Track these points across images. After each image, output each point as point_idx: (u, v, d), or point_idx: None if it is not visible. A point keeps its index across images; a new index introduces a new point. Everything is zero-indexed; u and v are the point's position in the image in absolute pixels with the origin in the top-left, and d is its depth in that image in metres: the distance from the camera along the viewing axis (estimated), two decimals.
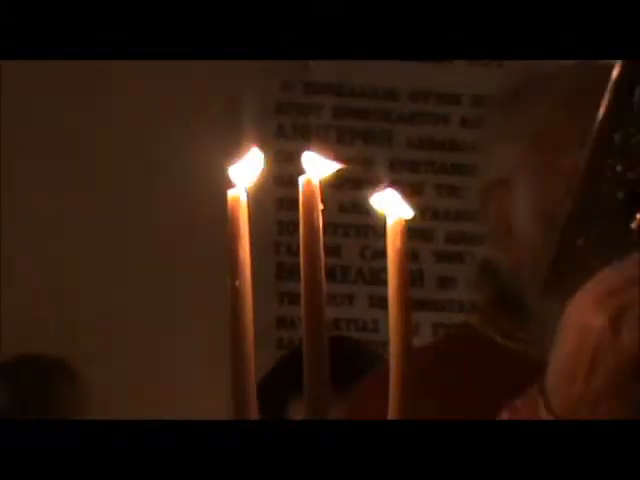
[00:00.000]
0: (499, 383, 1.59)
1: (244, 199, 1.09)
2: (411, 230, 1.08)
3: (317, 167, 1.06)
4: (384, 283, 1.09)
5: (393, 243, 1.09)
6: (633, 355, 1.30)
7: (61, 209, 3.45)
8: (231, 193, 1.09)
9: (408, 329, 1.09)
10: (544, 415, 1.37)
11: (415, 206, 1.09)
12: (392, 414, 1.10)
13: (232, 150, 1.12)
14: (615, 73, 1.38)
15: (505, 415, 1.44)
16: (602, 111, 1.35)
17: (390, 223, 1.09)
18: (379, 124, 3.52)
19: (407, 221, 1.09)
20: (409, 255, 1.11)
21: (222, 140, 3.01)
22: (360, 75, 3.53)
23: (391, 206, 1.09)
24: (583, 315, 1.33)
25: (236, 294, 1.09)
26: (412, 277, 3.39)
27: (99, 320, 3.24)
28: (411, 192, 3.37)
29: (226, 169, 1.10)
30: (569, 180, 1.36)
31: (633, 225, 1.33)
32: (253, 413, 1.10)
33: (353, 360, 2.43)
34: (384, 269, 1.09)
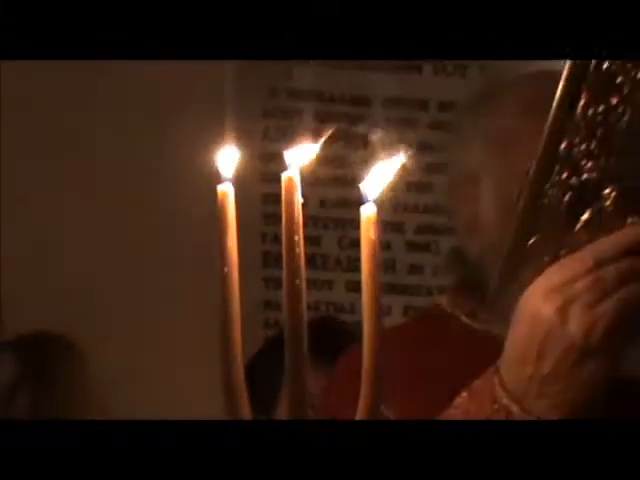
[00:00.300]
0: (464, 358, 1.59)
1: (232, 194, 1.08)
2: (385, 222, 1.09)
3: (298, 165, 1.06)
4: (359, 270, 1.09)
5: (366, 234, 1.08)
6: (577, 343, 1.30)
7: (61, 200, 3.37)
8: (220, 189, 1.09)
9: (379, 310, 1.09)
10: (500, 394, 1.36)
11: (388, 201, 1.10)
12: (365, 387, 1.08)
13: (222, 150, 1.11)
14: (560, 87, 1.36)
15: (465, 394, 1.43)
16: (549, 121, 1.33)
17: (364, 217, 1.08)
18: (355, 128, 3.47)
19: (378, 215, 1.09)
20: (382, 245, 1.11)
21: (213, 141, 2.99)
22: (338, 83, 3.52)
23: (365, 201, 1.09)
24: (534, 306, 1.33)
25: (225, 279, 1.09)
26: (385, 264, 3.34)
27: (99, 301, 3.22)
28: (384, 189, 3.35)
29: (216, 167, 1.09)
30: (521, 182, 1.36)
31: (578, 227, 1.33)
32: (240, 386, 1.09)
33: (336, 338, 2.44)
34: (359, 257, 1.09)
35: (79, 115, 3.44)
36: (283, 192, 1.05)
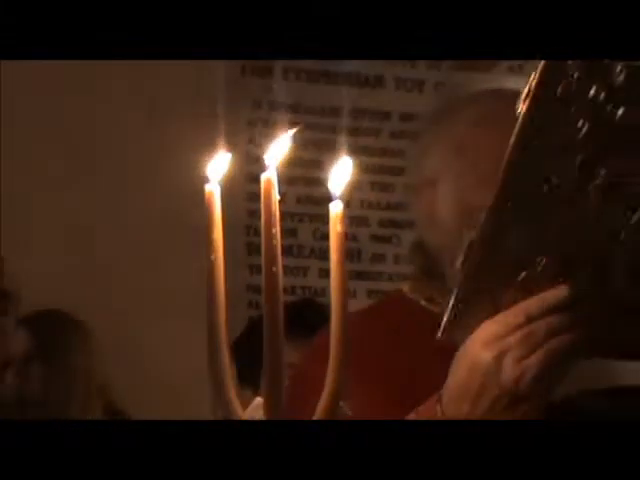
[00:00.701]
0: (422, 338, 1.55)
1: (217, 193, 1.09)
2: (352, 218, 1.10)
3: (278, 170, 1.06)
4: (329, 258, 1.10)
5: (334, 228, 1.08)
6: (508, 390, 1.29)
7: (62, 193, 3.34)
8: (207, 187, 1.09)
9: (345, 294, 1.08)
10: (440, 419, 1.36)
11: (355, 199, 1.11)
12: (332, 361, 1.08)
13: (212, 154, 1.11)
14: (522, 106, 1.32)
15: (412, 416, 1.41)
16: (512, 139, 1.30)
17: (332, 212, 1.08)
18: (326, 135, 3.50)
19: (344, 211, 1.08)
20: (349, 237, 1.12)
21: (205, 146, 2.99)
22: (312, 96, 3.51)
23: (335, 198, 1.08)
24: (473, 354, 1.32)
25: (212, 265, 1.09)
26: (351, 254, 3.32)
27: (100, 284, 3.22)
28: (351, 188, 3.35)
29: (205, 169, 1.09)
30: (467, 249, 1.34)
31: (514, 286, 1.32)
32: (225, 359, 1.09)
33: (315, 316, 2.43)
34: (329, 247, 1.08)
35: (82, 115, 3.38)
36: (262, 191, 1.05)
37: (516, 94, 1.56)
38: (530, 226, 1.27)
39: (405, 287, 1.68)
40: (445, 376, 1.41)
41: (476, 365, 1.31)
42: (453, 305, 1.32)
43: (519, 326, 1.28)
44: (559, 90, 1.27)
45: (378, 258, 3.53)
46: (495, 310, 1.30)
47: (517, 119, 1.54)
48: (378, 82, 3.50)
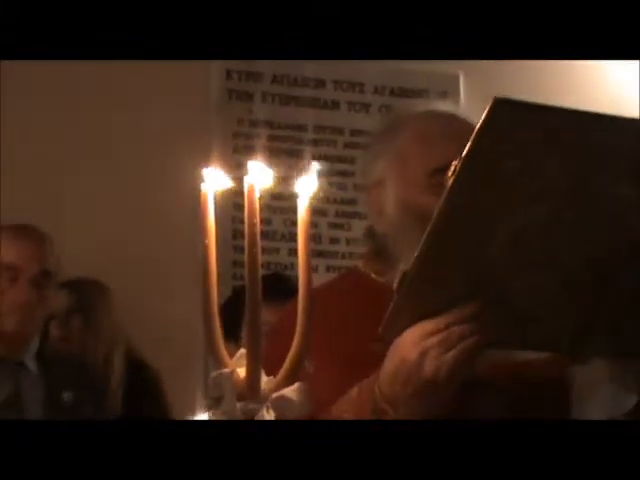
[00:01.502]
0: (374, 304, 1.51)
1: (211, 192, 1.08)
2: (314, 209, 1.09)
3: (257, 173, 1.07)
4: (297, 241, 1.09)
5: (301, 217, 1.08)
6: (429, 380, 1.27)
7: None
8: (203, 187, 1.08)
9: (309, 268, 1.08)
10: (378, 397, 1.33)
11: (316, 195, 1.10)
12: (299, 321, 1.08)
13: (207, 163, 1.11)
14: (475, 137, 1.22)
15: (356, 389, 1.39)
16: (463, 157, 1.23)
17: (300, 206, 1.08)
18: (294, 146, 3.48)
19: (309, 206, 1.08)
20: (312, 224, 1.11)
21: (201, 153, 2.98)
22: (283, 115, 3.47)
23: (302, 194, 1.08)
24: (404, 349, 1.30)
25: (205, 247, 1.08)
26: (313, 237, 3.27)
27: (124, 257, 3.19)
28: (337, 191, 3.41)
29: (201, 174, 1.08)
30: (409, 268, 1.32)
31: (441, 301, 1.31)
32: (215, 317, 1.08)
33: (286, 286, 2.41)
34: (297, 232, 1.08)
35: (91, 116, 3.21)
36: (246, 191, 1.06)
37: (447, 114, 1.58)
38: (455, 265, 1.26)
39: (359, 264, 1.65)
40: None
41: (405, 359, 1.30)
42: (390, 310, 1.31)
43: (439, 331, 1.27)
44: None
45: (334, 241, 3.50)
46: (422, 317, 1.29)
47: (447, 139, 1.51)
48: (335, 105, 3.47)
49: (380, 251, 1.57)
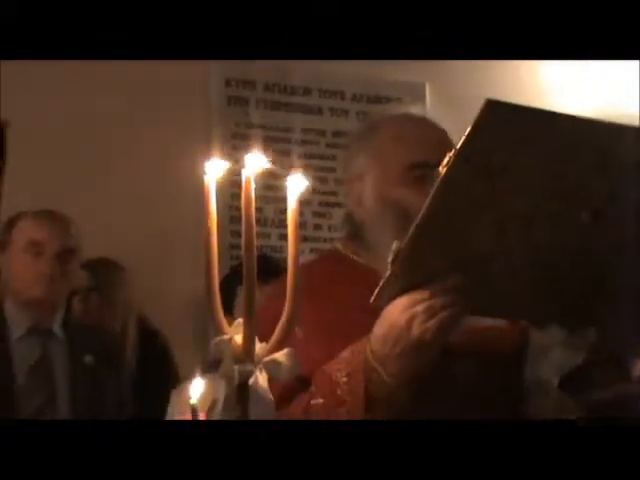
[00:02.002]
0: (352, 281, 1.54)
1: (213, 182, 1.07)
2: (301, 200, 1.07)
3: (253, 166, 1.06)
4: (286, 226, 1.08)
5: (290, 205, 1.07)
6: (415, 342, 1.27)
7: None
8: (205, 179, 1.07)
9: (297, 250, 1.08)
10: (369, 356, 1.32)
11: (302, 187, 1.09)
12: (289, 295, 1.06)
13: (210, 156, 1.09)
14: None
15: (349, 350, 1.37)
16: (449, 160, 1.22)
17: (290, 196, 1.08)
18: (284, 145, 3.43)
19: (298, 195, 1.08)
20: (299, 212, 1.10)
21: (203, 152, 2.94)
22: (274, 119, 3.43)
23: (291, 187, 1.08)
24: (394, 315, 1.30)
25: (208, 231, 1.08)
26: (300, 224, 3.24)
27: (139, 239, 3.13)
28: (319, 185, 3.37)
29: (204, 165, 1.07)
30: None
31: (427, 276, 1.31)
32: (216, 291, 1.08)
33: (275, 267, 2.40)
34: (286, 219, 1.07)
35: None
36: (243, 183, 1.04)
37: (418, 117, 1.55)
38: (443, 245, 1.26)
39: (339, 245, 1.63)
40: (367, 308, 1.37)
41: (394, 323, 1.29)
42: (383, 282, 1.30)
43: (425, 300, 1.27)
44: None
45: (317, 227, 3.47)
46: (410, 288, 1.29)
47: (419, 139, 1.49)
48: (318, 110, 3.45)
49: (357, 235, 1.55)
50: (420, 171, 1.42)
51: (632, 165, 1.16)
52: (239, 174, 1.05)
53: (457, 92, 3.42)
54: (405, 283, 1.27)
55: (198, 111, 3.21)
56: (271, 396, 1.07)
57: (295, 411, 1.34)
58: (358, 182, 1.53)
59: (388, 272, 1.27)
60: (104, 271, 2.73)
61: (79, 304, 2.61)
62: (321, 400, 1.33)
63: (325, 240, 3.39)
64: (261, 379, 1.04)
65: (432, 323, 1.25)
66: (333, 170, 3.41)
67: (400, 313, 1.28)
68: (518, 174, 1.17)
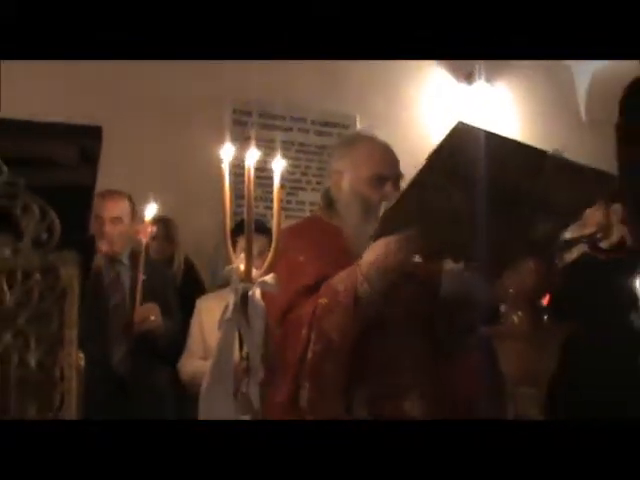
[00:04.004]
0: (327, 239, 1.76)
1: (226, 168, 1.31)
2: (286, 180, 1.39)
3: (251, 160, 1.27)
4: (269, 200, 1.34)
5: (276, 192, 1.34)
6: (394, 263, 1.58)
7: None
8: (222, 165, 1.31)
9: (280, 222, 1.32)
10: (359, 277, 1.58)
11: (287, 181, 1.43)
12: (273, 244, 1.28)
13: (222, 148, 1.28)
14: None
15: (345, 271, 1.59)
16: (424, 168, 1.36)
17: (275, 181, 1.33)
18: (269, 151, 3.95)
19: (283, 186, 1.29)
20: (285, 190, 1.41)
21: (219, 142, 3.28)
22: (265, 135, 4.13)
23: (276, 180, 1.29)
24: (380, 247, 1.58)
25: (224, 200, 1.34)
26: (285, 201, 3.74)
27: (182, 205, 3.68)
28: (290, 175, 4.06)
29: (220, 153, 1.29)
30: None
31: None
32: (227, 235, 1.31)
33: (260, 226, 2.65)
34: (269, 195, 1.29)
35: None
36: (246, 172, 1.29)
37: (380, 140, 1.82)
38: (409, 212, 1.46)
39: (318, 212, 1.87)
40: (337, 249, 1.62)
41: (380, 252, 1.57)
42: (377, 227, 1.55)
43: (400, 240, 1.54)
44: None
45: (288, 202, 4.20)
46: (391, 232, 1.55)
47: (385, 160, 1.77)
48: (290, 129, 4.35)
49: (331, 207, 1.79)
50: (379, 179, 1.72)
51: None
52: (243, 166, 1.26)
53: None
54: (388, 229, 1.51)
55: (215, 129, 3.84)
56: (263, 304, 1.28)
57: (307, 309, 1.55)
58: (337, 175, 1.77)
59: (379, 222, 1.50)
60: (166, 225, 3.37)
61: (151, 245, 3.06)
62: (326, 300, 1.57)
63: (294, 210, 4.17)
64: (257, 293, 1.26)
65: (397, 249, 1.51)
66: (299, 167, 4.27)
67: (384, 245, 1.53)
68: (476, 183, 1.31)
